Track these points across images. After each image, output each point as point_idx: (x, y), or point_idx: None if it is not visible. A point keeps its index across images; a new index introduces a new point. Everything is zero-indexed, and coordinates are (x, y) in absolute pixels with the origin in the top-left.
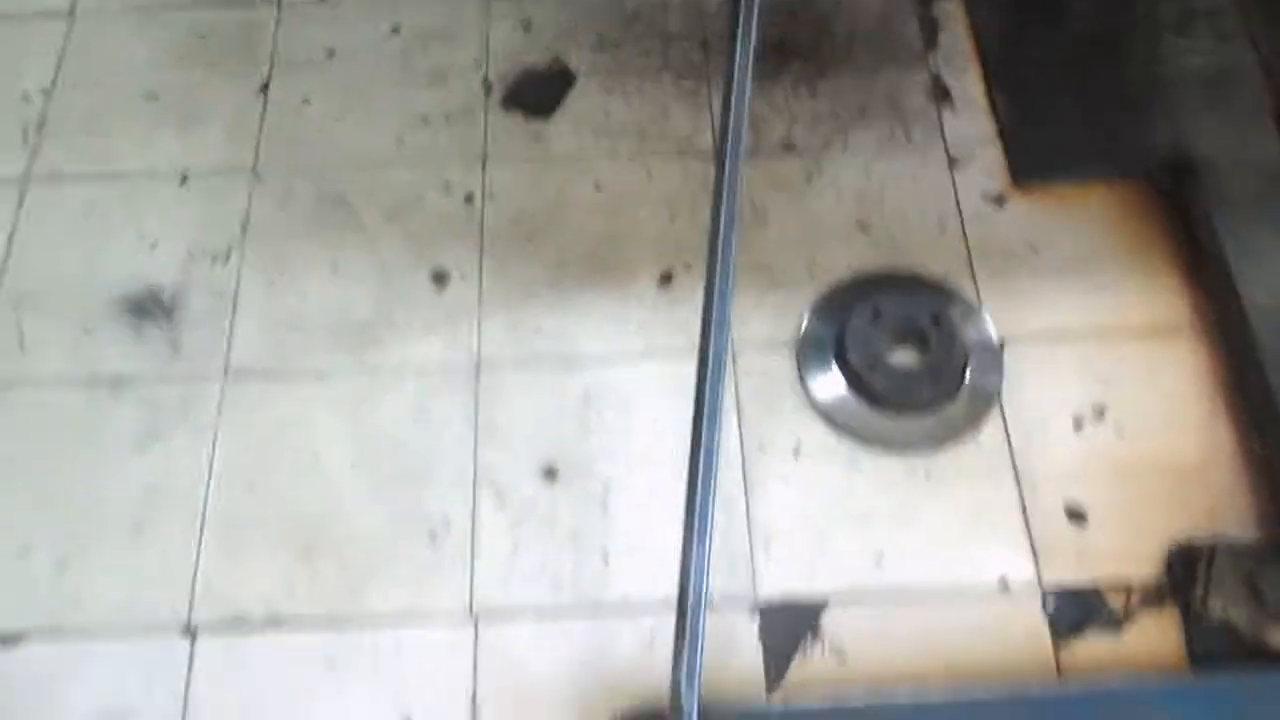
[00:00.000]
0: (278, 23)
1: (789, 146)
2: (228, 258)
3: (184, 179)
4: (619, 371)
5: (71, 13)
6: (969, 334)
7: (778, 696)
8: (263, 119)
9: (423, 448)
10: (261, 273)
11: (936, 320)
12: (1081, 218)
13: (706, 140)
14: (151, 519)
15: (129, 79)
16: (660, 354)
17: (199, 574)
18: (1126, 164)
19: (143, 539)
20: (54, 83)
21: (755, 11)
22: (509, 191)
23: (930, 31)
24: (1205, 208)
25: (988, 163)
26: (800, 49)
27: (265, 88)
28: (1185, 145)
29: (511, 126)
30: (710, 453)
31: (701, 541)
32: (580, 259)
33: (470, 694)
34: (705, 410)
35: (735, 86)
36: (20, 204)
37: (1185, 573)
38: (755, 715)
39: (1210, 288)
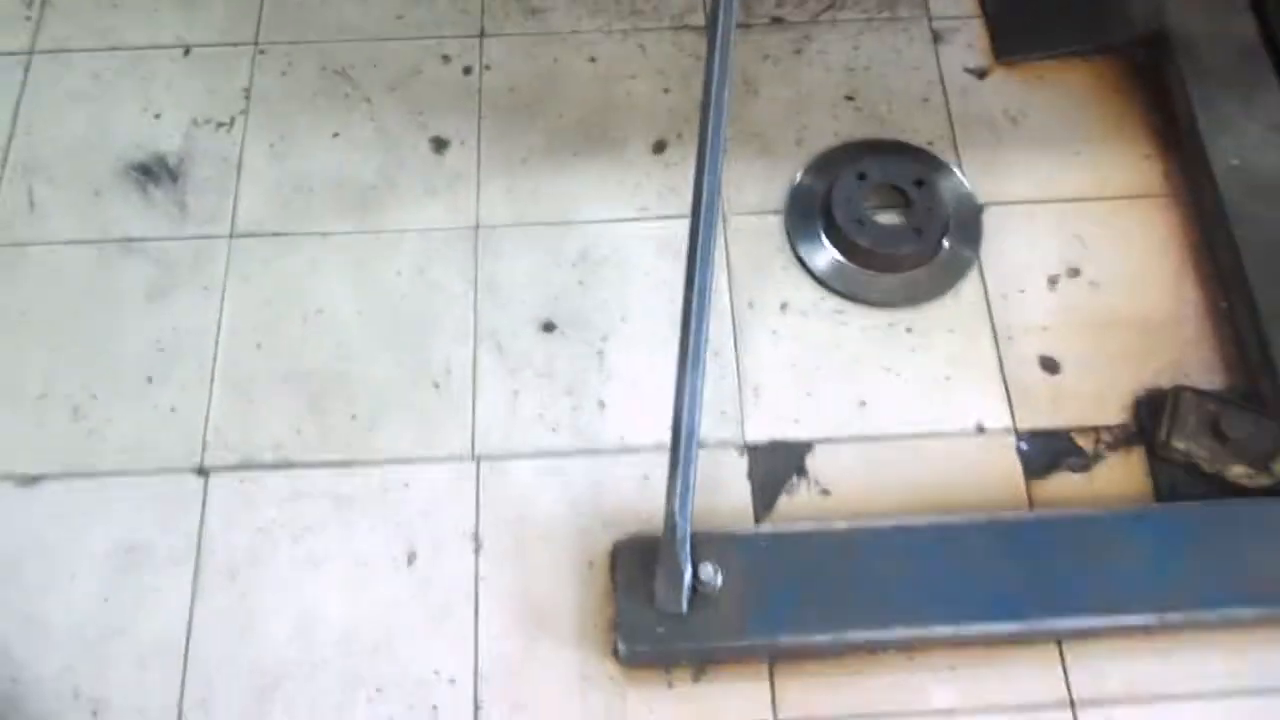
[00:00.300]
0: None
1: (778, 20)
2: (231, 125)
3: (187, 51)
4: (615, 231)
5: None
6: (950, 197)
7: (766, 527)
8: None
9: (425, 303)
10: (265, 140)
11: (919, 183)
12: (1061, 90)
13: (699, 18)
14: (163, 369)
15: None
16: (654, 215)
17: (210, 420)
18: (1105, 40)
19: (155, 388)
20: None
21: None
22: (506, 64)
23: None
24: (1180, 81)
25: (971, 38)
26: None
27: None
28: (1162, 22)
29: (508, 3)
30: (703, 290)
31: (695, 371)
32: (576, 127)
33: (473, 528)
34: (699, 246)
35: None
36: (26, 76)
37: (1151, 416)
38: (744, 537)
39: (1182, 156)
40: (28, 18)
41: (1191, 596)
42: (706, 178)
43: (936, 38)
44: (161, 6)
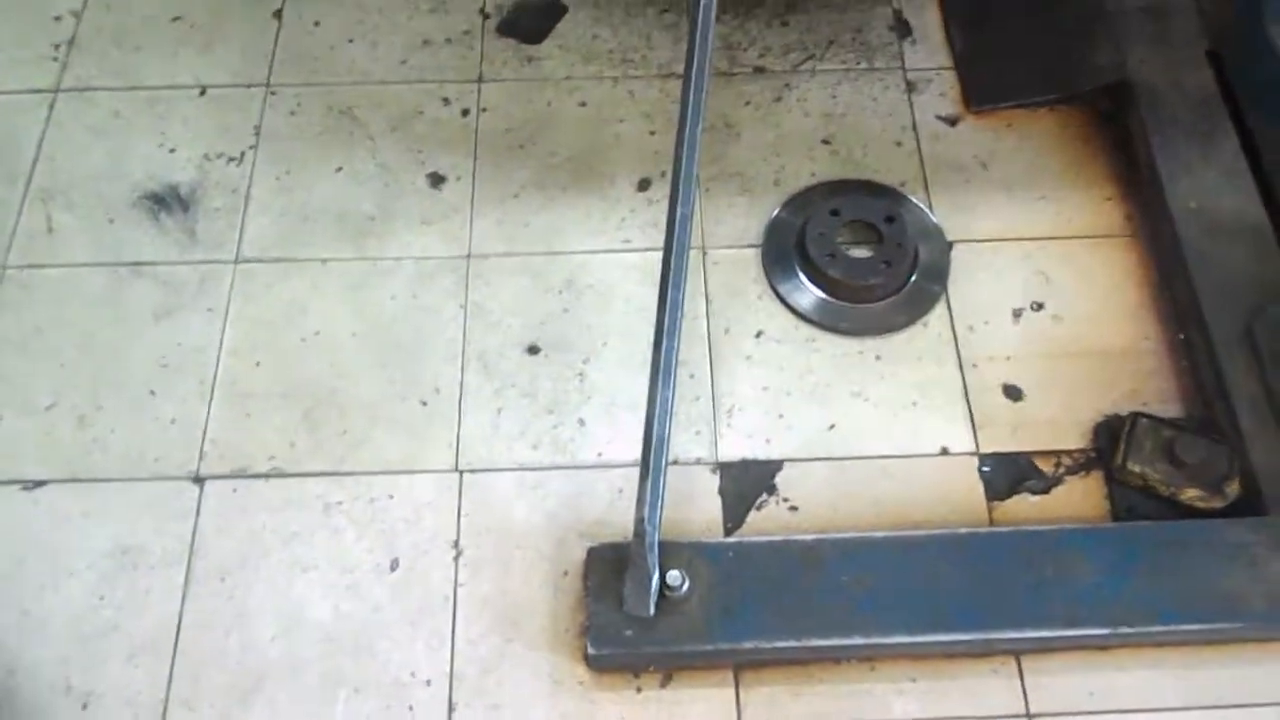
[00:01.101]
0: None
1: (760, 70)
2: (241, 159)
3: (203, 91)
4: (599, 261)
5: None
6: (920, 233)
7: (734, 538)
8: (277, 39)
9: (417, 326)
10: (273, 173)
11: (890, 220)
12: (1028, 137)
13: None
14: (166, 384)
15: (154, 3)
16: (636, 248)
17: (208, 432)
18: (1070, 90)
19: (157, 401)
20: (84, 4)
21: None
22: (502, 106)
23: None
24: (1141, 129)
25: (943, 88)
26: None
27: (279, 12)
28: (1124, 73)
29: (506, 50)
30: (675, 306)
31: (665, 383)
32: (566, 165)
33: (454, 537)
34: (672, 263)
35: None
36: (50, 112)
37: (1110, 441)
38: (711, 546)
39: (1143, 199)
40: (55, 59)
41: (1144, 612)
42: (680, 198)
43: (911, 88)
44: (181, 50)
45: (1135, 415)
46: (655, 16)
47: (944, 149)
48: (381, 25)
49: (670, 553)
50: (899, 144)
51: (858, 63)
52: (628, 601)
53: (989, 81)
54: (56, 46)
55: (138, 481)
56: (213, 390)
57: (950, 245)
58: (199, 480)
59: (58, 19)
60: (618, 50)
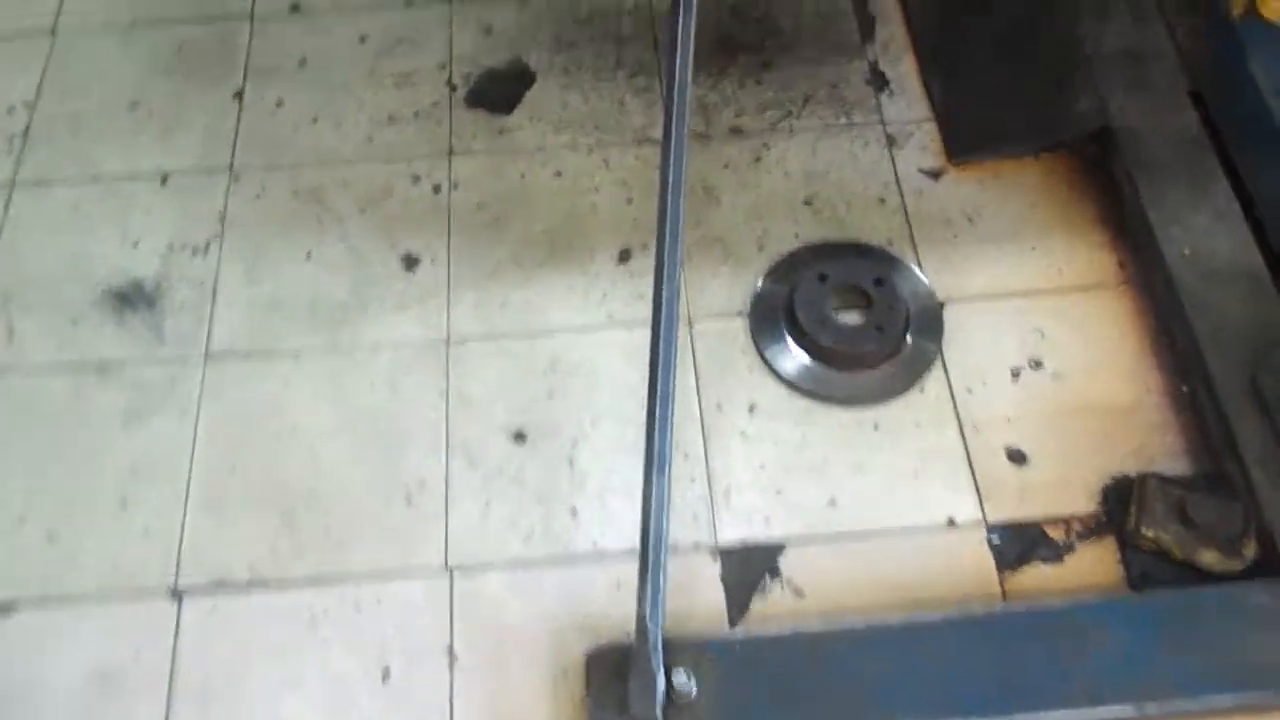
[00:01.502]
0: (251, 35)
1: (738, 131)
2: (207, 250)
3: (165, 179)
4: (582, 340)
5: (53, 31)
6: (910, 294)
7: (739, 631)
8: (239, 122)
9: (397, 417)
10: (240, 262)
11: (879, 282)
12: (1014, 188)
13: (658, 132)
14: (138, 492)
15: (110, 90)
16: (621, 323)
17: (184, 542)
18: (1053, 138)
19: (130, 511)
20: (38, 95)
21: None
22: (474, 181)
23: (868, 25)
24: (1128, 174)
25: (924, 141)
26: (747, 45)
27: (240, 94)
28: (1108, 119)
29: (475, 122)
30: (666, 395)
31: (660, 476)
32: (543, 240)
33: (447, 642)
34: (661, 348)
35: (679, 50)
36: (6, 208)
37: (1120, 504)
38: (717, 642)
39: (1135, 245)
40: (8, 152)
41: (1169, 686)
42: (665, 283)
43: (891, 142)
44: (140, 138)
45: (1144, 476)
46: (626, 81)
47: (929, 204)
48: (346, 103)
49: (675, 650)
50: (882, 200)
51: (836, 118)
52: (633, 707)
53: (970, 133)
54: (10, 139)
55: (112, 600)
56: (187, 496)
57: (942, 305)
58: (177, 594)
59: (10, 110)
60: (590, 117)
